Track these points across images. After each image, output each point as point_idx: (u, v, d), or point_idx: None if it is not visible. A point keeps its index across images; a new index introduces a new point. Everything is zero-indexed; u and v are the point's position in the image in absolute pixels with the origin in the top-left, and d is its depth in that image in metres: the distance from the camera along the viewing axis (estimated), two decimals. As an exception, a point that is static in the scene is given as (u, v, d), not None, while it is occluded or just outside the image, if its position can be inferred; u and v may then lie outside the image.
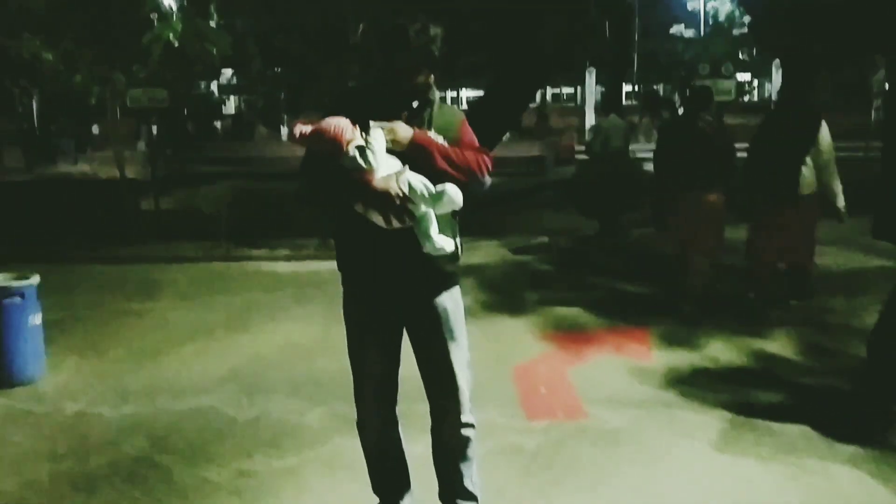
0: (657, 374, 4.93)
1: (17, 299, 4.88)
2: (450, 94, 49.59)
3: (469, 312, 6.47)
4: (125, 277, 7.97)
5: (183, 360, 5.36)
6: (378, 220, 2.71)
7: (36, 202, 10.27)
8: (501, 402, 4.50)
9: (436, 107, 2.98)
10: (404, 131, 2.77)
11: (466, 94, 45.57)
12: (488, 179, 2.92)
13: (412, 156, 2.76)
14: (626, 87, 25.63)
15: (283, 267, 8.24)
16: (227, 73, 28.66)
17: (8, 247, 8.79)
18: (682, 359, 5.20)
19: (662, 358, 5.23)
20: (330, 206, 2.95)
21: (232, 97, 35.61)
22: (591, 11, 13.49)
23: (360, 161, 2.68)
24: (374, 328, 2.96)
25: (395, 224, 2.70)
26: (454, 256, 2.95)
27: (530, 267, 8.23)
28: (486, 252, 8.96)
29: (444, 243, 2.76)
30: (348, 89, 3.33)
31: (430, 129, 2.91)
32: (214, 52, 9.95)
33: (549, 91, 49.94)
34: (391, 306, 2.94)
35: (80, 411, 4.49)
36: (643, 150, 15.80)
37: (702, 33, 26.79)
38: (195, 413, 4.43)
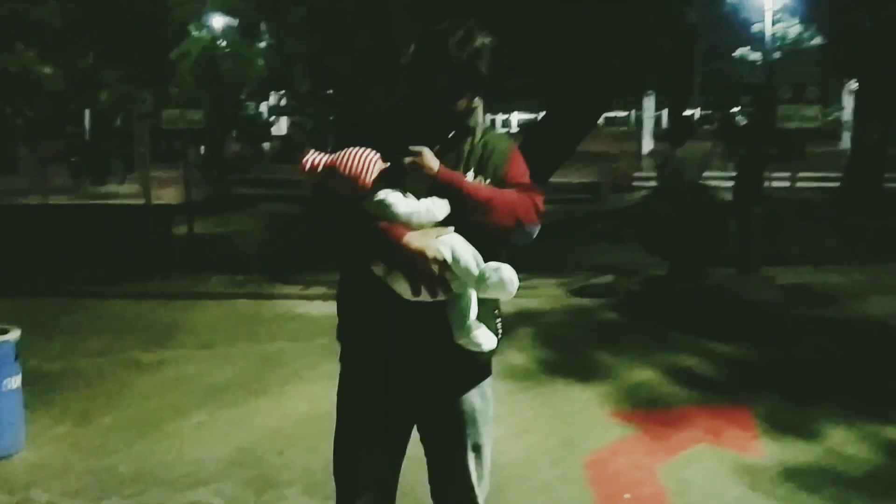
0: (768, 475, 3.87)
1: (-12, 360, 4.06)
2: (500, 117, 48.91)
3: (524, 375, 5.59)
4: (141, 318, 7.18)
5: (185, 434, 4.47)
6: (402, 288, 2.03)
7: (56, 227, 9.60)
8: (574, 512, 3.51)
9: (478, 136, 2.20)
10: (431, 160, 2.04)
11: (518, 117, 44.74)
12: (536, 228, 2.20)
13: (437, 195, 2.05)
14: (687, 112, 24.43)
15: (317, 309, 7.35)
16: (279, 94, 28.28)
17: (18, 280, 8.10)
18: (798, 452, 4.14)
19: (772, 450, 4.17)
20: (340, 260, 2.25)
21: (283, 119, 35.29)
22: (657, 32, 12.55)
23: (391, 208, 2.00)
24: (377, 425, 2.23)
25: (425, 297, 2.01)
26: (494, 332, 2.19)
27: (595, 315, 7.21)
28: (542, 294, 7.99)
29: (484, 339, 2.08)
30: (367, 114, 2.48)
31: (468, 166, 2.16)
32: (250, 70, 9.25)
33: (604, 115, 48.85)
34: (404, 400, 2.22)
35: (48, 505, 3.63)
36: (717, 178, 14.70)
37: (769, 56, 25.53)
38: (188, 514, 3.54)
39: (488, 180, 2.14)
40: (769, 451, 4.15)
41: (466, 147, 2.17)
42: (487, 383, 2.31)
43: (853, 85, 22.94)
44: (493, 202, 2.07)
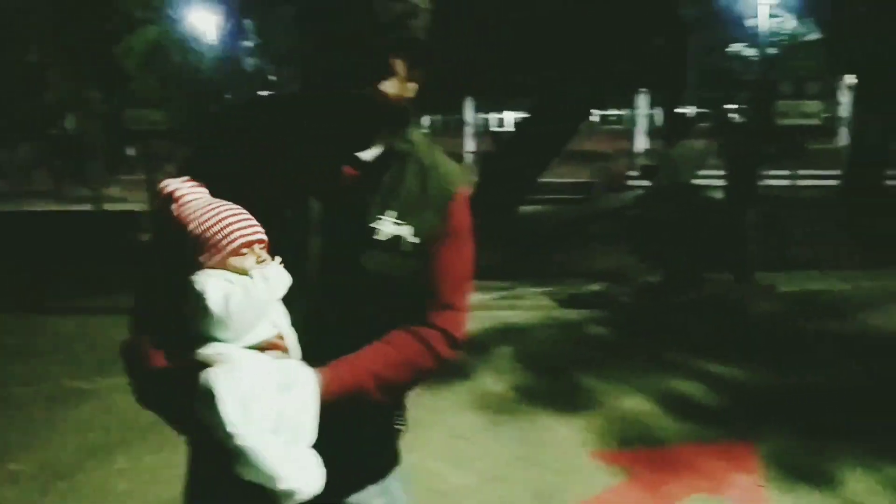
0: (780, 534, 3.28)
1: None
2: (493, 116, 48.40)
3: (499, 406, 4.69)
4: (85, 337, 6.53)
5: (100, 485, 3.84)
6: None
7: (25, 236, 8.99)
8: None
9: (413, 163, 1.50)
10: (303, 380, 1.33)
11: (510, 116, 44.24)
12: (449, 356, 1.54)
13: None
14: (681, 110, 23.86)
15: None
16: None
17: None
18: (811, 501, 3.53)
19: (781, 502, 3.56)
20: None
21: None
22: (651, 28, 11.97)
23: (210, 307, 1.27)
24: None
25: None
26: (390, 437, 1.61)
27: (583, 330, 6.59)
28: (527, 306, 7.39)
29: (297, 481, 1.28)
30: (240, 108, 1.69)
31: (386, 205, 1.46)
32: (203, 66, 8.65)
33: (597, 113, 48.31)
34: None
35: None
36: (714, 178, 14.08)
37: (765, 52, 24.98)
38: None
39: (416, 237, 1.46)
40: (777, 499, 3.54)
41: (392, 175, 1.46)
42: (395, 477, 1.63)
43: (850, 80, 22.39)
44: (391, 374, 1.45)
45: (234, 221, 1.34)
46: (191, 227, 1.33)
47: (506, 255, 8.75)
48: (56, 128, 25.39)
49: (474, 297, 6.28)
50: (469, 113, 31.78)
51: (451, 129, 38.15)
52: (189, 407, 1.24)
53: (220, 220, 1.34)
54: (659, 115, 31.58)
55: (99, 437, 4.40)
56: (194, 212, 1.35)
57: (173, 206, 1.36)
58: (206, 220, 1.33)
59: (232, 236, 1.32)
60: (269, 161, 1.42)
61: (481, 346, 5.97)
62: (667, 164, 8.17)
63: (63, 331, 6.81)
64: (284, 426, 1.26)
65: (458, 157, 28.18)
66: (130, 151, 27.78)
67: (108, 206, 12.91)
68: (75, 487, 3.81)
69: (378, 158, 1.46)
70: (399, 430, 1.59)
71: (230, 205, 1.36)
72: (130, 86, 9.14)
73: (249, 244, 1.34)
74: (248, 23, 24.02)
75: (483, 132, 35.81)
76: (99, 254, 8.62)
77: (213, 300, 1.26)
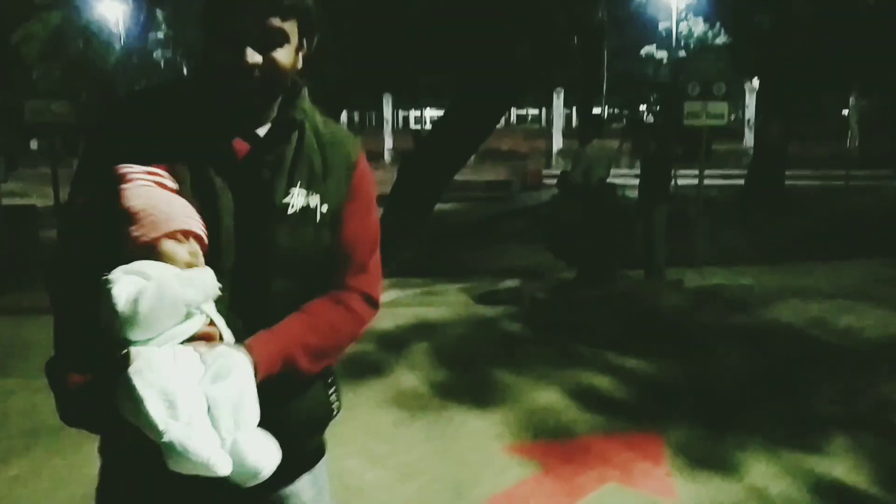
0: (686, 521, 3.37)
1: None
2: (413, 113, 48.36)
3: (414, 401, 4.68)
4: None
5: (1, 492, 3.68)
6: None
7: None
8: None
9: (309, 131, 1.49)
10: (236, 365, 1.30)
11: (430, 113, 44.33)
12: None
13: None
14: (596, 110, 24.38)
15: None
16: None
17: None
18: (715, 492, 3.64)
19: (687, 492, 3.65)
20: None
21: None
22: (565, 30, 12.17)
23: (119, 308, 1.23)
24: None
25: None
26: (327, 419, 1.62)
27: (499, 326, 6.65)
28: (444, 301, 7.44)
29: (255, 461, 1.27)
30: (136, 93, 1.62)
31: (293, 181, 1.44)
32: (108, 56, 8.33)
33: (514, 112, 48.87)
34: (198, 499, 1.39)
35: None
36: (623, 177, 14.44)
37: (675, 55, 25.76)
38: None
39: (324, 206, 1.46)
40: (684, 492, 3.64)
41: (291, 147, 1.46)
42: (322, 465, 1.64)
43: (755, 83, 23.30)
44: (318, 344, 1.46)
45: (181, 207, 1.34)
46: (136, 202, 1.30)
47: (422, 251, 8.77)
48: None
49: (390, 294, 6.32)
50: (388, 109, 31.69)
51: (369, 126, 37.96)
52: (114, 415, 1.22)
53: (168, 202, 1.33)
54: (574, 115, 32.21)
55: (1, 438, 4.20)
56: (144, 191, 1.32)
57: (122, 185, 1.33)
58: (154, 199, 1.32)
59: (175, 217, 1.31)
60: (168, 146, 1.39)
61: (396, 341, 5.96)
62: (579, 163, 8.32)
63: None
64: (222, 414, 1.24)
65: (377, 154, 28.07)
66: (33, 145, 26.67)
67: (6, 202, 12.36)
68: (-33, 496, 3.62)
69: (273, 131, 1.45)
70: (333, 411, 1.59)
71: (180, 198, 1.35)
72: (31, 75, 8.71)
73: (187, 234, 1.32)
74: (159, 13, 23.36)
75: (402, 129, 35.78)
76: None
77: (123, 301, 1.23)
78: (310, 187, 1.45)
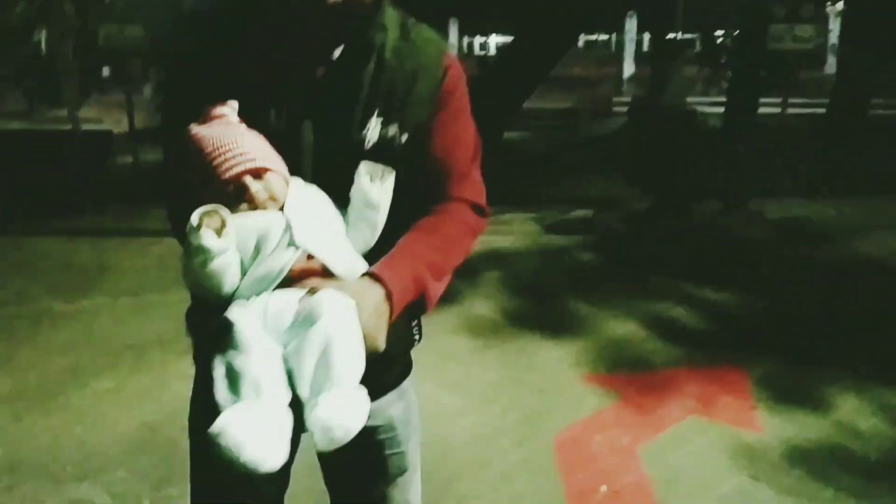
0: (771, 458, 3.26)
1: None
2: (478, 39, 47.44)
3: (489, 329, 4.72)
4: (65, 259, 6.40)
5: (83, 406, 3.77)
6: None
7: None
8: (539, 512, 2.89)
9: (390, 47, 1.35)
10: (326, 310, 1.19)
11: (496, 40, 43.36)
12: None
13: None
14: (671, 35, 23.45)
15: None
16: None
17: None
18: (803, 427, 3.52)
19: (774, 425, 3.55)
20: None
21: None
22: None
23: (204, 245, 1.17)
24: None
25: None
26: (409, 348, 1.54)
27: (572, 256, 6.53)
28: (514, 231, 7.32)
29: (337, 419, 1.16)
30: (209, 19, 1.49)
31: (371, 109, 1.32)
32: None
33: (583, 38, 47.42)
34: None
35: None
36: (699, 105, 13.91)
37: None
38: (64, 520, 2.87)
39: (404, 135, 1.35)
40: (770, 426, 3.54)
41: (369, 71, 1.33)
42: (409, 383, 1.59)
43: (838, 6, 22.04)
44: (443, 267, 1.39)
45: (259, 144, 1.27)
46: (214, 140, 1.24)
47: (492, 181, 8.60)
48: (28, 46, 24.63)
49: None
50: (453, 36, 31.10)
51: (434, 53, 37.38)
52: None
53: (246, 139, 1.26)
54: (647, 39, 31.09)
55: (81, 359, 4.32)
56: (222, 129, 1.26)
57: (202, 124, 1.27)
58: (231, 137, 1.25)
59: (254, 154, 1.24)
60: (245, 78, 1.31)
61: (467, 270, 5.89)
62: (654, 88, 8.01)
63: (41, 252, 6.67)
64: (304, 372, 1.15)
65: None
66: (105, 72, 27.03)
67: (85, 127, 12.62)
68: (52, 411, 3.72)
69: (348, 56, 1.34)
70: (414, 343, 1.53)
71: (258, 135, 1.28)
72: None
73: (265, 171, 1.25)
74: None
75: (467, 56, 35.20)
76: (75, 175, 8.42)
77: (205, 249, 1.17)
78: (388, 115, 1.34)
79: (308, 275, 1.22)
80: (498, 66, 10.51)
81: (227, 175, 1.22)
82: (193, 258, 1.18)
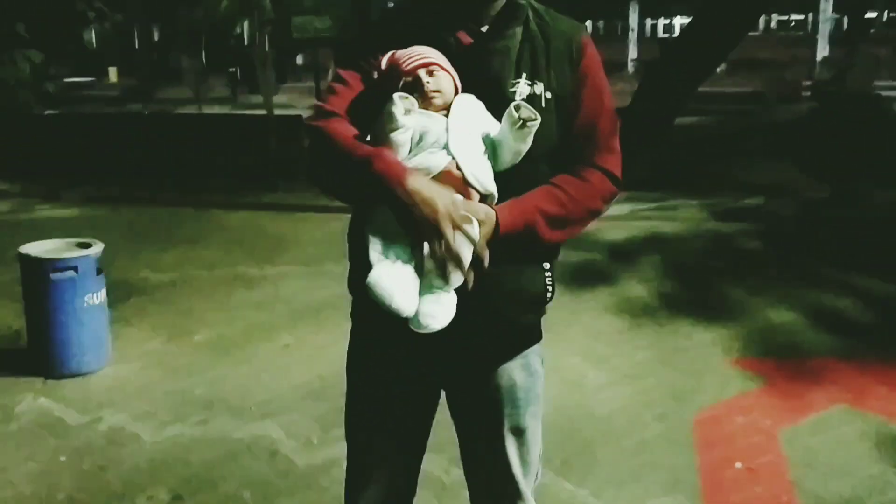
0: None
1: (70, 274, 3.99)
2: (661, 21, 45.98)
3: (641, 310, 4.90)
4: (257, 230, 7.13)
5: (268, 357, 4.30)
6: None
7: (185, 137, 9.70)
8: (670, 480, 3.02)
9: (531, 21, 1.62)
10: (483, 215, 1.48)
11: (681, 21, 41.91)
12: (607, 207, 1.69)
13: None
14: (871, 14, 21.80)
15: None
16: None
17: (151, 188, 8.30)
18: (963, 423, 3.42)
19: (930, 419, 3.47)
20: (340, 198, 1.65)
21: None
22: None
23: (396, 116, 1.45)
24: (396, 400, 1.74)
25: (455, 279, 1.46)
26: (541, 299, 1.69)
27: (737, 243, 6.45)
28: (680, 216, 7.29)
29: (431, 315, 1.45)
30: (385, 10, 1.84)
31: (519, 71, 1.56)
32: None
33: (775, 18, 44.82)
34: (429, 369, 1.70)
35: (115, 428, 3.52)
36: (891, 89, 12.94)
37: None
38: (248, 448, 3.32)
39: (548, 93, 1.57)
40: (925, 420, 3.45)
41: (516, 38, 1.58)
42: (535, 352, 1.75)
43: None
44: (566, 210, 1.58)
45: (433, 51, 1.54)
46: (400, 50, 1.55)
47: (661, 165, 8.56)
48: (232, 37, 26.72)
49: (624, 207, 6.34)
50: (633, 18, 30.43)
51: (613, 36, 36.74)
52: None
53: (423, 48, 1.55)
54: (845, 19, 28.98)
55: (267, 317, 4.88)
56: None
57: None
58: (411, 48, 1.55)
59: (428, 55, 1.53)
60: (403, 44, 1.57)
61: (626, 253, 6.00)
62: (842, 69, 7.64)
63: (238, 223, 7.43)
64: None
65: (619, 65, 27.26)
66: (299, 60, 28.79)
67: (277, 112, 13.69)
68: (243, 360, 4.27)
69: (498, 21, 1.58)
70: (547, 292, 1.70)
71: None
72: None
73: (436, 66, 1.52)
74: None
75: (648, 39, 34.25)
76: (267, 156, 9.22)
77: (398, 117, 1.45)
78: (534, 76, 1.57)
79: (450, 181, 1.46)
80: (675, 48, 10.36)
81: (408, 67, 1.51)
82: (387, 125, 1.46)
